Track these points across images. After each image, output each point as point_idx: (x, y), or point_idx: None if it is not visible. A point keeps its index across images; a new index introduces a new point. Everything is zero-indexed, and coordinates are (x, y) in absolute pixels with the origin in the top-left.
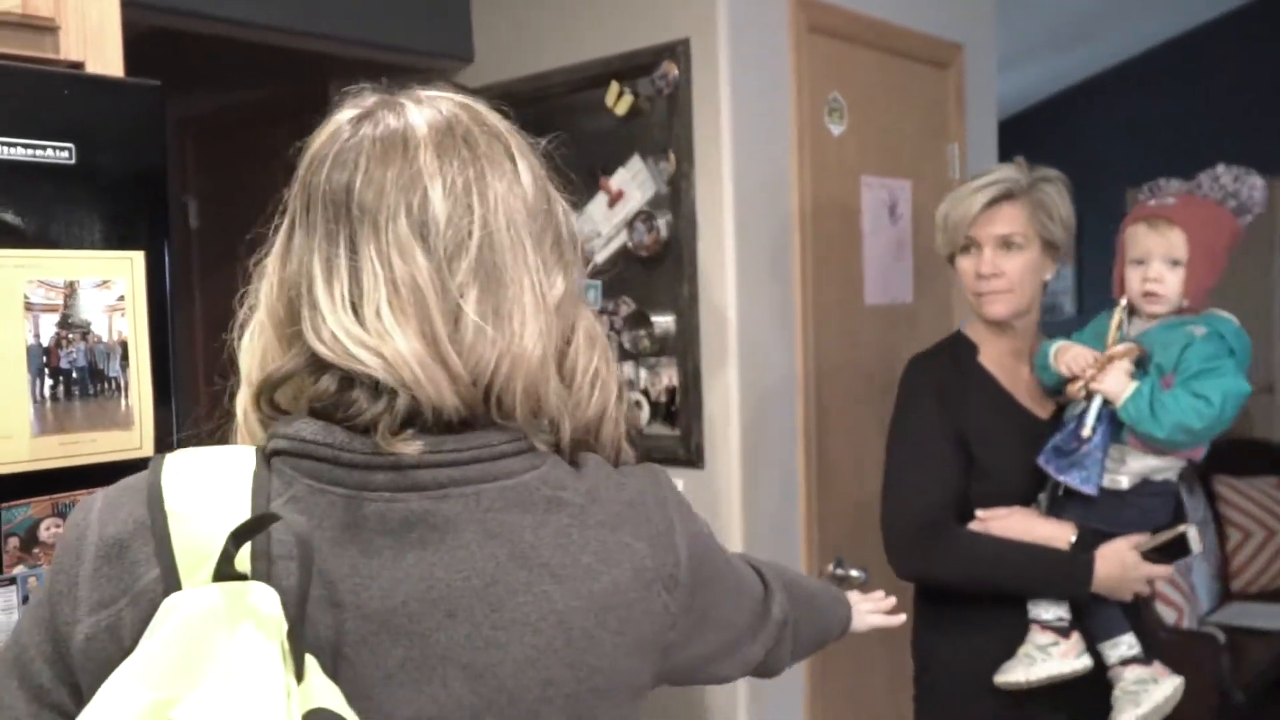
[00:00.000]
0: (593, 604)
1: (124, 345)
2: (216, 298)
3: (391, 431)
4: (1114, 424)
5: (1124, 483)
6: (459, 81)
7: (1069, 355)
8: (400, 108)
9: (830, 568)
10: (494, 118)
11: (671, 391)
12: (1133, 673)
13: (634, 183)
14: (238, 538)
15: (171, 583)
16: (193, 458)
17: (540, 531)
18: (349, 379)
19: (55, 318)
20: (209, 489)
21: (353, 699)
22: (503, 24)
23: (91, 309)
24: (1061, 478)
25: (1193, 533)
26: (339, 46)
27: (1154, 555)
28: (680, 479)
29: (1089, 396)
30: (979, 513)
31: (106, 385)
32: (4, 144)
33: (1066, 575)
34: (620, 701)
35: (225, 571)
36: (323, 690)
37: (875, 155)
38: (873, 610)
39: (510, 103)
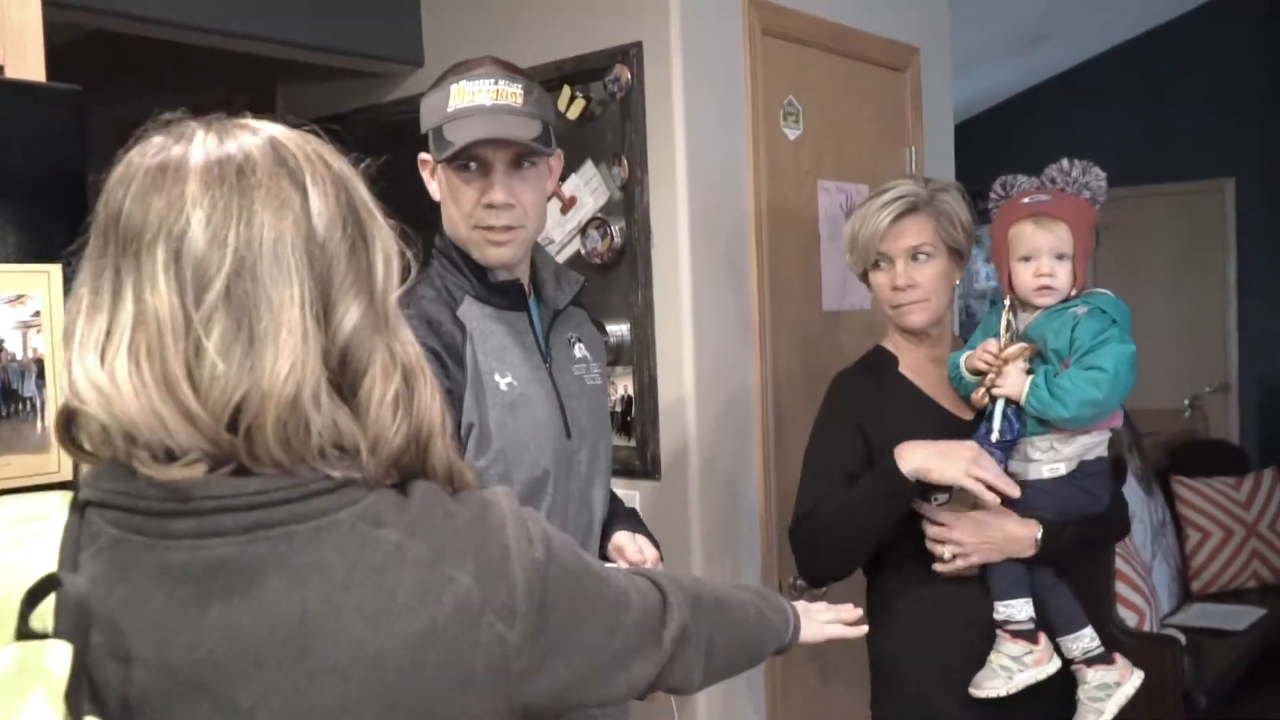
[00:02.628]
0: (408, 644)
1: (39, 364)
2: None
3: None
4: (1026, 419)
5: (1062, 469)
6: (411, 86)
7: (971, 357)
8: (190, 137)
9: (791, 579)
10: (306, 149)
11: (627, 401)
12: (1095, 675)
13: (586, 189)
14: (31, 599)
15: None
16: (5, 508)
17: (352, 573)
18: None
19: None
20: (17, 543)
21: None
22: (453, 28)
23: (4, 325)
24: None
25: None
26: (288, 51)
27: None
28: (636, 490)
29: (993, 400)
30: (942, 516)
31: (21, 406)
32: None
33: (884, 483)
34: None
35: (24, 631)
36: None
37: (832, 159)
38: (832, 620)
39: None
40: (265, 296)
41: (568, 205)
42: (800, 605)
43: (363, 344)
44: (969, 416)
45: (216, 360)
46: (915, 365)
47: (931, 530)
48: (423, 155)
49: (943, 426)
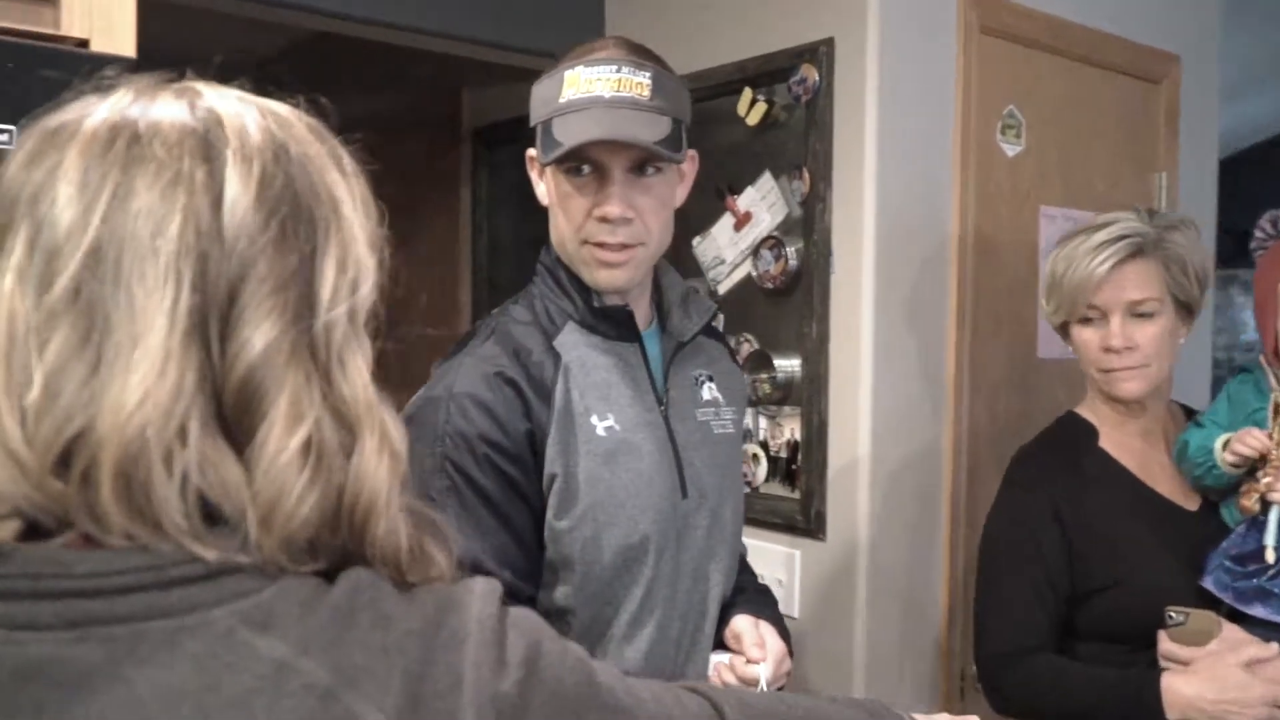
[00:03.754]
0: None
1: None
2: None
3: None
4: None
5: None
6: None
7: (1242, 441)
8: (106, 97)
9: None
10: (258, 122)
11: (794, 447)
12: None
13: (763, 204)
14: None
15: None
16: None
17: (206, 700)
18: None
19: None
20: None
21: None
22: (636, 26)
23: None
24: (1245, 609)
25: None
26: (471, 49)
27: None
28: (798, 550)
29: (1266, 508)
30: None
31: None
32: None
33: (1132, 700)
34: None
35: None
36: None
37: (1058, 182)
38: None
39: None
40: (126, 300)
41: (742, 221)
42: None
43: (269, 376)
44: (1193, 507)
45: (48, 380)
46: (1122, 440)
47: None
48: (530, 151)
49: (1163, 519)
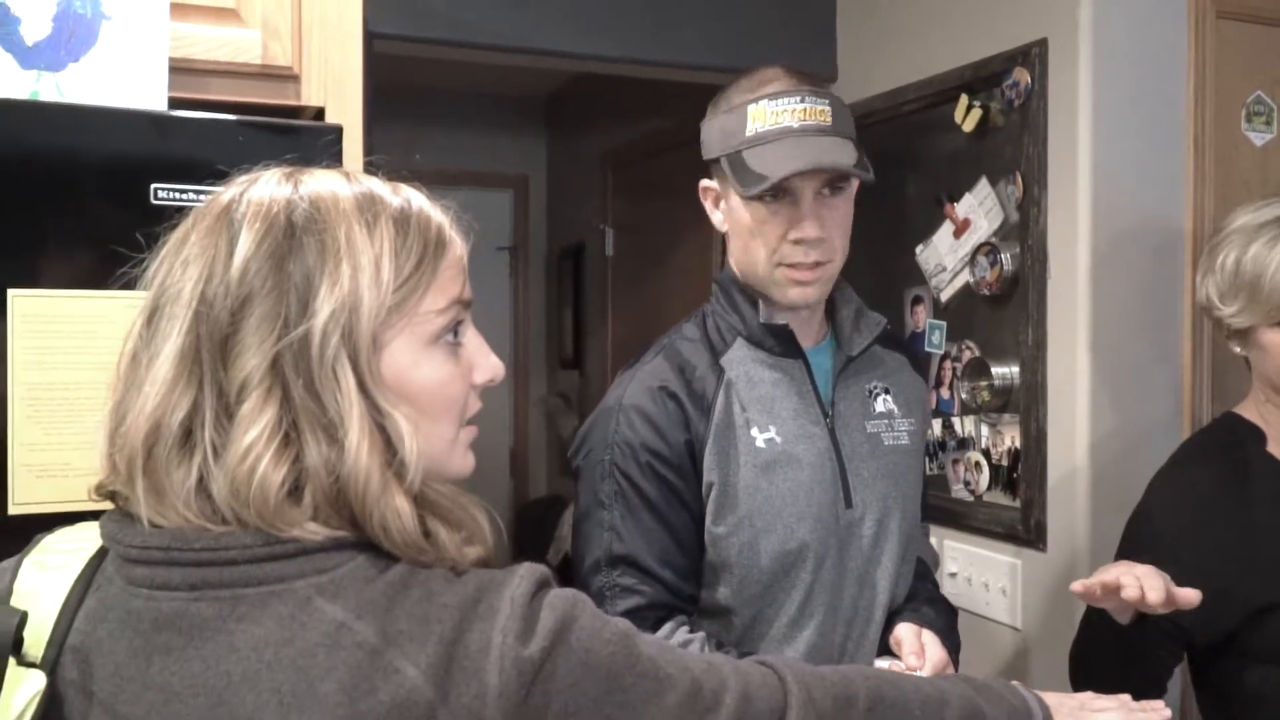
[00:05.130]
0: None
1: None
2: (625, 318)
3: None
4: None
5: None
6: None
7: None
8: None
9: None
10: (276, 199)
11: (1014, 455)
12: None
13: (980, 210)
14: (15, 634)
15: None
16: (58, 540)
17: (283, 650)
18: None
19: None
20: (48, 574)
21: None
22: (865, 40)
23: None
24: None
25: None
26: (717, 77)
27: None
28: (1020, 560)
29: None
30: None
31: None
32: (176, 190)
33: None
34: None
35: (19, 659)
36: None
37: None
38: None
39: (868, 121)
40: (162, 330)
41: (961, 228)
42: (1055, 698)
43: (257, 383)
44: None
45: (120, 383)
46: None
47: None
48: (705, 183)
49: None
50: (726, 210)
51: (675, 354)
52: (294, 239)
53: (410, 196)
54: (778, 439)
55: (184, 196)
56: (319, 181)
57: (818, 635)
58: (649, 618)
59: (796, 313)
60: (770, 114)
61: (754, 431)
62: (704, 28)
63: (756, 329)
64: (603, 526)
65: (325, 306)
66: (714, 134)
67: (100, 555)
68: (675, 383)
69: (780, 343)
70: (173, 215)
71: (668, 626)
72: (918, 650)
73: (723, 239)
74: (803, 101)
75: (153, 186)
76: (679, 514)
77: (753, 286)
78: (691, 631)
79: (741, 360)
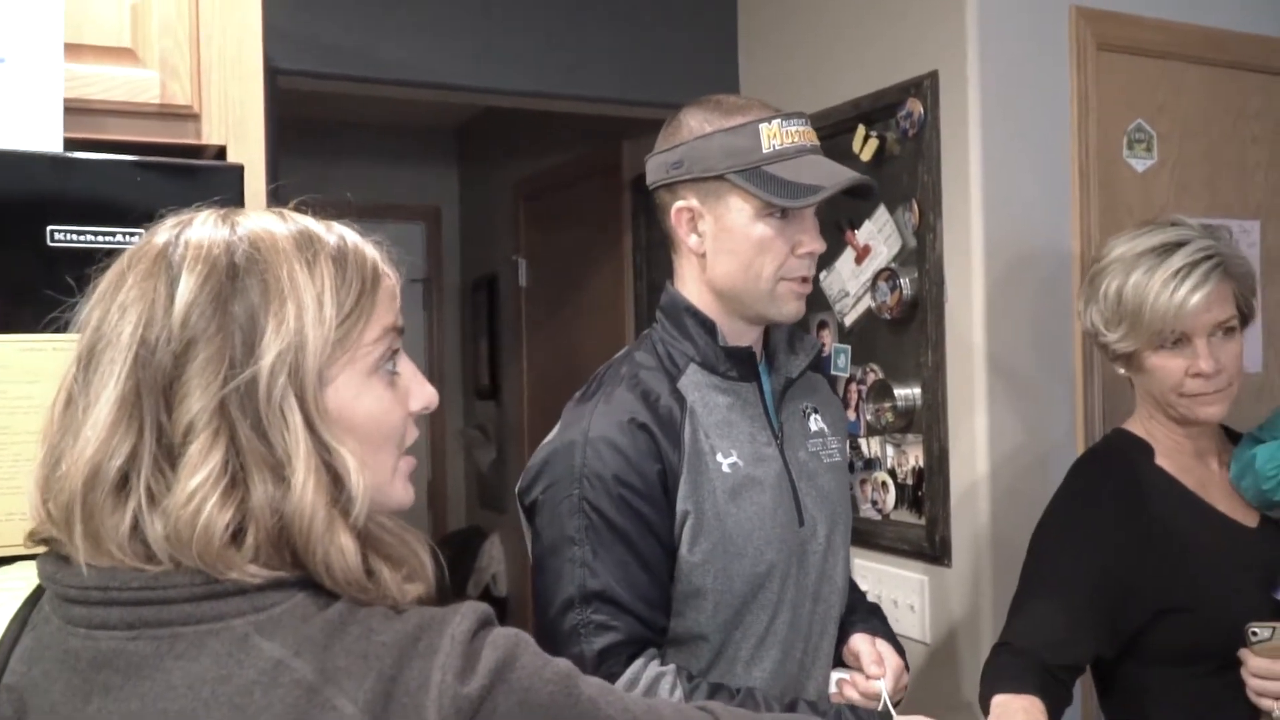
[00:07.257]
0: None
1: None
2: (541, 348)
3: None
4: None
5: None
6: None
7: None
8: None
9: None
10: (215, 240)
11: (919, 474)
12: None
13: (880, 236)
14: None
15: None
16: (7, 576)
17: (220, 688)
18: None
19: None
20: None
21: None
22: (765, 74)
23: None
24: None
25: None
26: (622, 109)
27: None
28: (926, 576)
29: None
30: (1261, 665)
31: None
32: (74, 232)
33: None
34: None
35: None
36: None
37: (1201, 191)
38: None
39: None
40: (102, 371)
41: (862, 255)
42: None
43: (202, 426)
44: (1253, 524)
45: (51, 429)
46: (1178, 459)
47: (1255, 684)
48: (683, 204)
49: (1228, 537)
50: (715, 229)
51: (637, 383)
52: (236, 280)
53: (344, 233)
54: (740, 463)
55: (81, 238)
56: (255, 222)
57: (781, 653)
58: (623, 653)
59: (749, 336)
60: (785, 133)
61: (719, 457)
62: (610, 61)
63: (711, 354)
64: (574, 562)
65: (272, 347)
66: (721, 149)
67: (36, 595)
68: (644, 414)
69: (737, 366)
70: (70, 257)
71: (639, 661)
72: (877, 659)
73: (643, 267)
74: (805, 125)
75: (49, 229)
76: (650, 545)
77: (743, 304)
78: (663, 664)
79: (697, 385)
